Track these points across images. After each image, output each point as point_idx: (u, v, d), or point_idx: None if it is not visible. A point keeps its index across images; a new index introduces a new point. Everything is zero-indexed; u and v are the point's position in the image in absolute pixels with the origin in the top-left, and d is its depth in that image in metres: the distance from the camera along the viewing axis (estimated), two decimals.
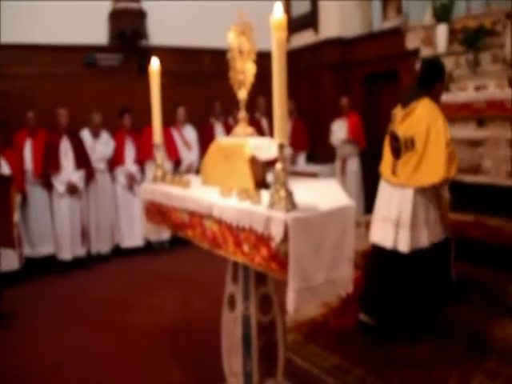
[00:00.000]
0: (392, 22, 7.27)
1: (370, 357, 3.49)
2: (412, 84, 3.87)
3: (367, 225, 5.18)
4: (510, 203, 4.87)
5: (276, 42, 1.88)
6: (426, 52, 6.62)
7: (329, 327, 3.99)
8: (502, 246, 4.20)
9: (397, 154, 3.61)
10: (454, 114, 5.35)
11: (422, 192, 3.53)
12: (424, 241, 3.54)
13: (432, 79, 3.69)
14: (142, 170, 6.74)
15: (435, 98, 3.62)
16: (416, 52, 6.77)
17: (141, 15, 6.92)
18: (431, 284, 3.59)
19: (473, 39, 5.90)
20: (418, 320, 3.70)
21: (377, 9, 7.69)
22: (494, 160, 5.16)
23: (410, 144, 3.51)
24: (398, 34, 6.98)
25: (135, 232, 6.57)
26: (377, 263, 3.85)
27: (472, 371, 3.25)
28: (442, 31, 6.35)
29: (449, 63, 6.28)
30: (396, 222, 3.57)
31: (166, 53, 6.19)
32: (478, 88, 5.48)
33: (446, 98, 5.58)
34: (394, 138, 3.62)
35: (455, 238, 3.78)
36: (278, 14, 1.89)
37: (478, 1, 6.16)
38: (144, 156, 6.61)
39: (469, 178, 5.10)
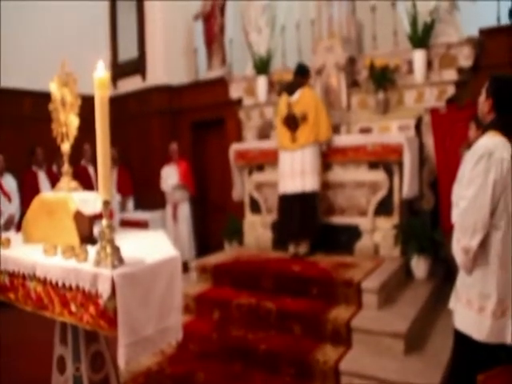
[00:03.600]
0: (217, 72, 7.71)
1: None
2: (291, 80, 5.67)
3: (199, 269, 5.33)
4: (326, 239, 5.44)
5: (99, 100, 1.92)
6: (248, 101, 7.15)
7: (164, 374, 3.97)
8: (317, 278, 4.61)
9: (295, 127, 5.29)
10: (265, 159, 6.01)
11: (314, 150, 5.29)
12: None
13: (306, 74, 5.59)
14: None
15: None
16: (239, 101, 7.27)
17: None
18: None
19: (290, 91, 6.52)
20: (315, 234, 5.40)
21: (202, 58, 8.10)
22: None
23: (305, 117, 5.24)
24: (222, 83, 7.43)
25: None
26: (287, 206, 5.43)
27: None
28: (261, 82, 6.94)
29: (269, 112, 6.88)
30: (302, 172, 5.26)
31: None
32: None
33: (266, 144, 6.09)
34: (293, 117, 5.31)
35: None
36: (101, 72, 1.94)
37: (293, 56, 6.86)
38: None
39: None
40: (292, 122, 5.33)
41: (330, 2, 6.43)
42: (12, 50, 7.01)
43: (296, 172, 5.31)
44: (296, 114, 5.31)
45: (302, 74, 5.54)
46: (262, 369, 3.93)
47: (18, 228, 3.41)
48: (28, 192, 6.29)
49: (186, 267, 5.36)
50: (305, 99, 5.31)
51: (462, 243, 2.48)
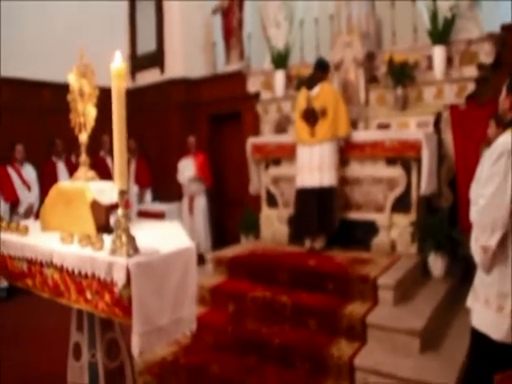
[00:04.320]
0: (235, 66, 7.70)
1: None
2: (310, 74, 5.63)
3: (215, 261, 5.35)
4: (342, 235, 5.42)
5: (116, 90, 1.93)
6: (265, 95, 7.13)
7: (179, 365, 4.00)
8: (333, 273, 4.60)
9: (314, 122, 5.30)
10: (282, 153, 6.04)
11: (332, 146, 5.29)
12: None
13: (326, 69, 5.57)
14: None
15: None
16: (257, 95, 7.25)
17: None
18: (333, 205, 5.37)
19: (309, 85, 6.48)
20: (332, 229, 5.39)
21: (220, 52, 8.11)
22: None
23: (324, 112, 5.26)
24: (240, 76, 7.42)
25: None
26: (304, 200, 5.42)
27: None
28: (279, 77, 6.91)
29: (286, 107, 6.85)
30: (320, 167, 5.27)
31: None
32: None
33: (283, 138, 6.09)
34: (313, 111, 5.32)
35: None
36: (118, 62, 1.94)
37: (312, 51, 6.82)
38: None
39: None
40: (311, 116, 5.34)
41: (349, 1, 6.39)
42: (32, 42, 7.09)
43: (314, 166, 5.31)
44: (315, 109, 5.32)
45: (322, 69, 5.52)
46: (276, 363, 3.94)
47: (37, 217, 3.47)
48: (47, 182, 6.38)
49: (201, 259, 5.39)
50: (324, 94, 5.33)
51: (480, 242, 2.44)
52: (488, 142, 4.13)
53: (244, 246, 6.09)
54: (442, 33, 5.51)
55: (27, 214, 6.26)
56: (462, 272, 4.97)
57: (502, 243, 2.40)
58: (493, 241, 2.38)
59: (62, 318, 2.80)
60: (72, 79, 2.55)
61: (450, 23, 5.48)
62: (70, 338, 2.56)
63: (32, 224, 2.64)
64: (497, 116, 3.79)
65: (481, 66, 5.37)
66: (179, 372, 3.91)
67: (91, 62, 2.57)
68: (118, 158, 1.89)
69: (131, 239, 1.87)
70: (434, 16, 5.51)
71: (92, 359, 2.44)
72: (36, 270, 2.24)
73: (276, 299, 4.47)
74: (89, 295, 1.98)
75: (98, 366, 2.43)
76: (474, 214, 2.52)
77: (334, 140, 5.31)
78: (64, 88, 2.81)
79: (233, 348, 4.20)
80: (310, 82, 5.51)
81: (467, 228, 2.85)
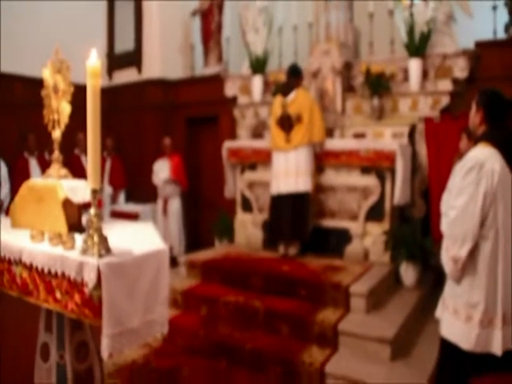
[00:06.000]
0: (213, 69, 7.69)
1: None
2: (285, 81, 5.69)
3: (188, 264, 5.31)
4: (316, 242, 5.44)
5: (90, 88, 1.89)
6: (243, 100, 7.14)
7: (150, 368, 3.95)
8: (306, 280, 4.61)
9: (289, 128, 5.31)
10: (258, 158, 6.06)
11: (308, 151, 5.31)
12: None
13: (298, 74, 5.54)
14: None
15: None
16: (234, 99, 7.25)
17: None
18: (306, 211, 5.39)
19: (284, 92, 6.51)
20: (305, 235, 5.42)
21: (199, 54, 8.09)
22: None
23: (300, 118, 5.28)
24: (218, 80, 7.41)
25: None
26: (279, 206, 5.41)
27: None
28: (257, 82, 6.92)
29: (263, 112, 6.87)
30: (296, 172, 5.26)
31: None
32: None
33: (259, 143, 6.09)
34: (288, 118, 5.33)
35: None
36: (93, 60, 1.91)
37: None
38: None
39: None
40: (286, 123, 5.36)
41: (328, 8, 6.44)
42: (6, 36, 6.90)
43: (290, 172, 5.33)
44: (291, 115, 5.35)
45: (295, 75, 5.54)
46: (247, 367, 3.93)
47: (8, 213, 3.38)
48: (19, 178, 6.21)
49: (175, 262, 5.34)
50: (299, 100, 5.36)
51: (451, 252, 2.48)
52: (460, 155, 4.21)
53: (218, 249, 6.07)
54: (418, 46, 5.61)
55: None
56: (434, 281, 5.05)
57: (472, 254, 2.45)
58: (463, 251, 2.43)
59: (30, 317, 2.73)
60: (46, 74, 2.49)
61: (426, 37, 5.59)
62: (37, 338, 2.50)
63: (2, 221, 2.56)
64: (468, 130, 3.87)
65: (455, 81, 5.48)
66: (150, 375, 3.85)
67: (68, 59, 2.52)
68: (92, 157, 1.85)
69: (103, 239, 1.83)
70: (410, 29, 5.61)
71: (60, 360, 2.38)
72: (4, 267, 2.18)
73: (249, 304, 4.46)
74: (58, 295, 1.93)
75: (67, 368, 2.36)
76: (445, 225, 2.57)
77: (309, 145, 5.34)
78: (38, 82, 2.75)
79: (204, 352, 4.17)
80: (285, 89, 5.54)
81: (439, 238, 2.90)
